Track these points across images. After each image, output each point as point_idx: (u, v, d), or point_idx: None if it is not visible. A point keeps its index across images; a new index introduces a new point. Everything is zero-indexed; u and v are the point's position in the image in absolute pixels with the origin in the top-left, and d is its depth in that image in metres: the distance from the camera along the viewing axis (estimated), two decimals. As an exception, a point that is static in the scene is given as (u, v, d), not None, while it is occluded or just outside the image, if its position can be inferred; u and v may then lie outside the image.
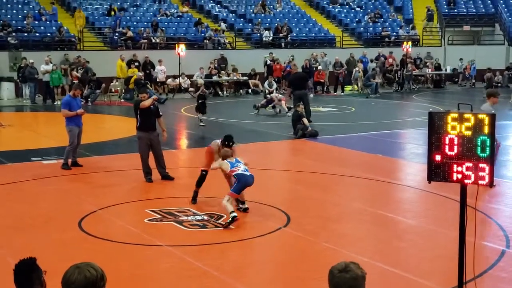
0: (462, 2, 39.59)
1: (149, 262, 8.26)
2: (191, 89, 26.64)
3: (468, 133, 5.22)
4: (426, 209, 10.96)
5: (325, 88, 30.62)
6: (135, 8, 34.25)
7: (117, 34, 30.46)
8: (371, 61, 32.17)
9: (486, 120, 5.19)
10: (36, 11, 31.16)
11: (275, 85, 29.73)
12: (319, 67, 30.45)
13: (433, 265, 8.20)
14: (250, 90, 29.70)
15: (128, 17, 32.80)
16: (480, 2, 39.56)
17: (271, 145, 17.05)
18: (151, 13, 33.29)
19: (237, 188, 9.92)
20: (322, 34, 35.11)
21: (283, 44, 33.29)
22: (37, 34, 29.44)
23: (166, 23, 32.37)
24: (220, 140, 10.68)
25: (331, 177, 13.12)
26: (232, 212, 9.62)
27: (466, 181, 5.34)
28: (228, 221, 9.56)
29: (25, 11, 31.13)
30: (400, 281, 7.53)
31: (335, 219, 10.30)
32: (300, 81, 20.29)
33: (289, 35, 33.52)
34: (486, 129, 5.19)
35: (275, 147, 17.04)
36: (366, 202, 11.21)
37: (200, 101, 20.09)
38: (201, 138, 18.19)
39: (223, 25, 33.75)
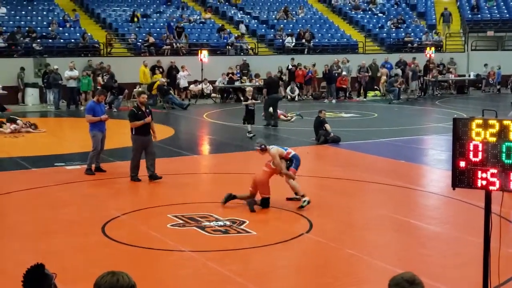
0: (485, 7, 39.28)
1: (171, 268, 8.29)
2: (242, 98, 24.88)
3: (493, 139, 5.18)
4: (450, 215, 10.87)
5: (347, 93, 30.53)
6: (158, 15, 34.46)
7: (140, 40, 30.67)
8: (398, 66, 32.04)
9: (511, 126, 5.14)
10: (61, 18, 31.50)
11: (297, 91, 29.75)
12: (343, 73, 30.37)
13: (457, 272, 8.13)
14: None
15: (151, 23, 33.02)
16: (504, 7, 39.21)
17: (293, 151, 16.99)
18: (174, 20, 33.47)
19: (296, 165, 11.19)
20: (345, 40, 35.04)
21: (305, 50, 33.27)
22: (62, 40, 29.76)
23: (189, 29, 32.53)
24: (260, 147, 11.31)
25: (353, 183, 13.07)
26: (304, 195, 10.83)
27: (491, 187, 5.29)
28: (304, 204, 10.77)
29: (49, 18, 31.49)
30: (423, 288, 7.47)
31: (358, 226, 10.26)
32: (273, 85, 21.87)
33: (311, 41, 33.50)
34: (511, 136, 5.14)
35: (297, 152, 16.95)
36: (390, 208, 11.14)
37: (248, 109, 18.92)
38: (223, 144, 18.23)
39: (242, 28, 33.81)
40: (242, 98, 27.29)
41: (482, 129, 5.21)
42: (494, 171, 5.21)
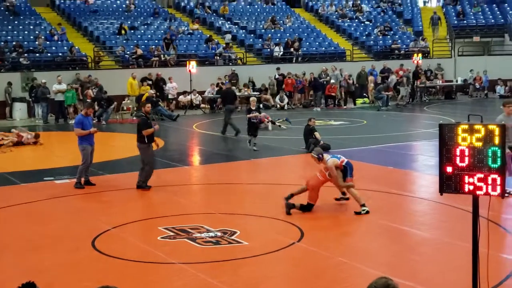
0: (471, 13, 39.56)
1: (162, 280, 8.25)
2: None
3: (479, 144, 5.21)
4: (439, 221, 10.90)
5: (336, 101, 30.62)
6: (145, 27, 34.49)
7: (128, 52, 30.67)
8: (382, 73, 32.22)
9: (497, 131, 5.17)
10: (48, 32, 31.45)
11: (286, 100, 29.80)
12: (331, 81, 30.48)
13: (447, 277, 8.15)
14: (261, 105, 29.76)
15: (139, 36, 33.04)
16: (489, 12, 39.51)
17: (283, 160, 17.05)
18: (162, 31, 33.50)
19: (351, 172, 11.37)
20: (332, 48, 35.18)
21: (294, 59, 33.37)
22: (49, 54, 29.70)
23: (177, 41, 32.56)
24: (317, 156, 11.56)
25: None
26: (364, 205, 11.03)
27: (478, 192, 5.32)
28: (362, 212, 10.97)
29: (36, 32, 31.43)
30: (415, 294, 7.48)
31: (349, 233, 10.27)
32: (229, 96, 22.44)
33: (299, 50, 33.60)
34: (496, 140, 5.17)
35: (288, 161, 17.03)
36: (380, 215, 11.16)
37: (250, 122, 18.34)
38: (213, 154, 18.22)
39: (227, 37, 33.92)
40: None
41: (468, 134, 5.24)
42: (481, 175, 5.24)
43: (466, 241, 8.51)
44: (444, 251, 9.27)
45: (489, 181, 5.22)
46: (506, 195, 11.66)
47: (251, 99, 20.22)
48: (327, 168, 11.25)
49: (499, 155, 5.19)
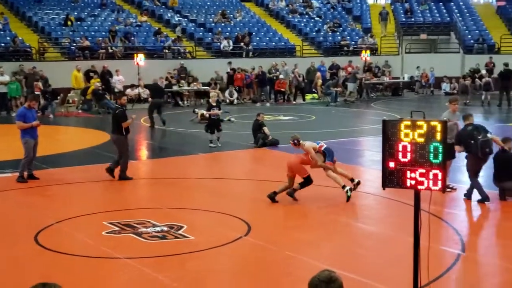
0: (419, 11, 40.25)
1: (107, 275, 8.16)
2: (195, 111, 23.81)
3: (421, 140, 5.29)
4: (384, 215, 11.07)
5: (286, 96, 30.76)
6: (92, 18, 33.95)
7: (74, 44, 30.14)
8: (331, 69, 32.51)
9: (438, 127, 5.26)
10: (-11, 22, 30.65)
11: (235, 94, 29.78)
12: (280, 76, 30.60)
13: (390, 270, 8.29)
14: (210, 100, 29.63)
15: (85, 27, 32.51)
16: (436, 11, 40.27)
17: (231, 155, 17.04)
18: (109, 23, 33.03)
19: (331, 157, 11.69)
20: (282, 43, 35.29)
21: (244, 54, 33.36)
22: (-10, 44, 28.94)
23: (124, 33, 32.14)
24: (293, 141, 12.03)
25: (291, 185, 13.12)
26: (345, 186, 11.44)
27: (419, 187, 5.40)
28: (348, 195, 11.33)
29: (-22, 22, 30.60)
30: (360, 287, 7.56)
31: (296, 227, 10.32)
32: (157, 90, 23.11)
33: (249, 44, 33.61)
34: (438, 136, 5.26)
35: (236, 156, 17.03)
36: (326, 209, 11.27)
37: (211, 118, 18.03)
38: (161, 148, 18.09)
39: (178, 30, 33.71)
40: (181, 103, 27.27)
41: (410, 130, 5.31)
42: (423, 170, 5.32)
43: (408, 234, 8.66)
44: (387, 244, 9.43)
45: (431, 176, 5.31)
46: (449, 190, 11.93)
47: (211, 94, 19.80)
48: (305, 150, 11.70)
49: (440, 150, 5.28)
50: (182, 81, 29.78)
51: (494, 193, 11.74)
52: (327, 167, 11.73)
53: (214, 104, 18.28)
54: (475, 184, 11.60)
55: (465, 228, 10.12)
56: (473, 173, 11.63)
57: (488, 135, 11.69)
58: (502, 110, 27.00)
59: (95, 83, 26.71)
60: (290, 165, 11.71)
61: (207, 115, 18.24)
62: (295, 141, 11.94)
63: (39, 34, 31.15)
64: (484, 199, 11.39)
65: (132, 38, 31.65)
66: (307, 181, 11.70)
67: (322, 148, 11.81)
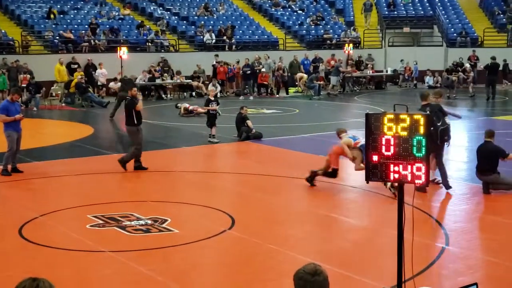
0: (401, 4, 40.38)
1: (91, 269, 8.15)
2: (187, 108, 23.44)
3: (404, 133, 5.33)
4: (368, 208, 11.14)
5: (269, 90, 30.77)
6: (75, 11, 33.72)
7: (57, 37, 29.93)
8: (314, 63, 32.54)
9: (422, 120, 5.30)
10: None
11: (219, 88, 29.73)
12: (263, 70, 30.59)
13: (375, 264, 8.35)
14: (194, 93, 29.63)
15: (68, 20, 32.28)
16: (419, 4, 40.42)
17: (215, 148, 17.04)
18: (92, 16, 32.82)
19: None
20: (265, 36, 35.26)
21: (226, 47, 33.30)
22: (-27, 37, 28.67)
23: (107, 26, 31.97)
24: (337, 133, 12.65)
25: (275, 179, 13.18)
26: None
27: (403, 180, 5.44)
28: (392, 191, 11.13)
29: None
30: (344, 280, 7.62)
31: (279, 221, 10.36)
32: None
33: (232, 38, 33.56)
34: (421, 129, 5.30)
35: (220, 149, 17.03)
36: (311, 203, 11.32)
37: (210, 113, 17.70)
38: (145, 142, 18.00)
39: (162, 24, 33.57)
40: (164, 96, 27.14)
41: (393, 124, 5.35)
42: (406, 164, 5.36)
43: (392, 227, 8.74)
44: (372, 238, 9.50)
45: (414, 170, 5.35)
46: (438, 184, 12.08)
47: (210, 89, 19.61)
48: (341, 144, 12.19)
49: (423, 144, 5.31)
50: (166, 74, 29.68)
51: (478, 186, 11.85)
52: (358, 165, 11.94)
53: (213, 98, 18.05)
54: (440, 169, 11.80)
55: (449, 221, 10.21)
56: (439, 158, 11.80)
57: (446, 119, 11.89)
58: (488, 103, 27.14)
59: (78, 76, 26.54)
60: (330, 152, 12.31)
61: (202, 110, 18.01)
62: (338, 133, 12.60)
63: (22, 27, 30.89)
64: (445, 186, 11.84)
65: (120, 32, 31.49)
66: (332, 174, 12.20)
67: (358, 145, 11.96)
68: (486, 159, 11.64)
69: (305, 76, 31.07)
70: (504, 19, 37.64)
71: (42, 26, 31.07)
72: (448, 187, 11.75)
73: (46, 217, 10.29)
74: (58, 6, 33.50)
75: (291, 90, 31.57)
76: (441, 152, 11.96)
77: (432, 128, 11.40)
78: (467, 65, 32.26)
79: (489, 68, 28.13)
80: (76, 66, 28.06)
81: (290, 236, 9.52)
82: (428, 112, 11.26)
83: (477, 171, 11.85)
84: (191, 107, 23.01)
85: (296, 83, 31.79)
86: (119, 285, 7.70)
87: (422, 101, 12.07)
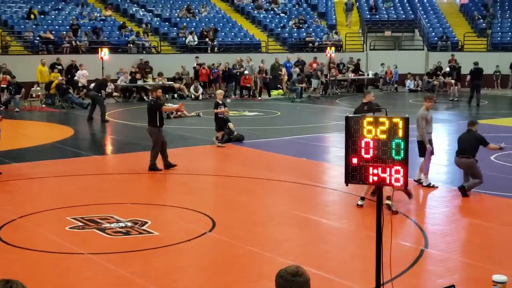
0: (383, 8, 40.62)
1: (71, 271, 8.09)
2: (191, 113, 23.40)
3: (383, 136, 5.36)
4: (348, 211, 11.17)
5: (251, 92, 30.79)
6: (56, 12, 33.51)
7: (37, 38, 29.72)
8: (296, 65, 32.60)
9: (401, 123, 5.34)
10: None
11: (201, 90, 29.71)
12: (245, 72, 30.61)
13: (354, 266, 8.39)
14: (176, 95, 29.57)
15: (49, 21, 32.07)
16: (400, 8, 40.69)
17: (196, 150, 17.01)
18: (73, 17, 32.62)
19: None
20: (248, 39, 35.29)
21: (209, 49, 33.27)
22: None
23: (89, 27, 31.81)
24: None
25: (256, 181, 13.20)
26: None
27: (382, 183, 5.47)
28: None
29: None
30: (323, 282, 7.64)
31: (260, 223, 10.37)
32: (99, 85, 23.39)
33: (215, 40, 33.54)
34: (400, 133, 5.34)
35: (201, 151, 17.00)
36: (291, 205, 11.34)
37: (218, 117, 17.24)
38: (127, 143, 17.97)
39: (144, 25, 33.52)
40: (146, 98, 27.02)
41: (373, 127, 5.38)
42: (385, 167, 5.39)
43: (372, 230, 8.78)
44: (351, 240, 9.54)
45: (393, 173, 5.39)
46: (431, 187, 12.24)
47: (217, 92, 19.06)
48: None
49: (402, 147, 5.35)
50: (150, 75, 29.59)
51: (457, 189, 11.94)
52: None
53: (221, 102, 17.47)
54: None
55: (428, 224, 10.28)
56: None
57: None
58: (471, 107, 27.31)
59: (57, 77, 26.37)
60: None
61: (216, 114, 17.51)
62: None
63: (1, 28, 30.64)
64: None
65: (102, 32, 31.34)
66: None
67: None
68: (467, 145, 11.74)
69: (286, 78, 31.23)
70: (484, 24, 38.02)
71: (22, 26, 30.84)
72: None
73: (25, 219, 10.21)
74: (39, 7, 33.27)
75: (273, 92, 31.61)
76: None
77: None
78: (447, 69, 32.51)
79: (473, 73, 28.27)
80: (60, 67, 27.84)
81: (271, 238, 9.54)
82: (366, 109, 11.66)
83: (457, 155, 11.91)
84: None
85: (278, 85, 31.84)
86: (98, 288, 7.66)
87: (363, 99, 12.41)
